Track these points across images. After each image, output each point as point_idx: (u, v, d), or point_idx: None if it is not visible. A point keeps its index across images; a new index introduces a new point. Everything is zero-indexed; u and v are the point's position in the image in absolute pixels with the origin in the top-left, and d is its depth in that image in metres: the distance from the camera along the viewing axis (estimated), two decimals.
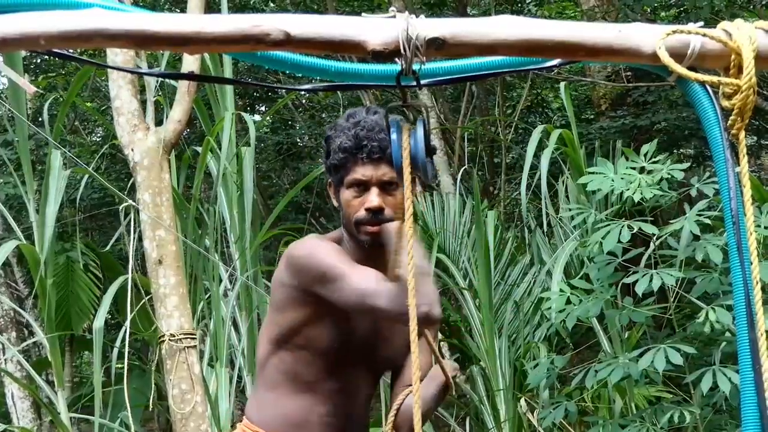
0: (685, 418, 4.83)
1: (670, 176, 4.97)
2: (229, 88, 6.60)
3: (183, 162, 6.62)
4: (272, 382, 2.74)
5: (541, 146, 6.60)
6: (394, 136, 1.89)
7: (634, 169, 5.08)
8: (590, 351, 6.37)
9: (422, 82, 2.11)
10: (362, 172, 2.53)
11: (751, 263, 1.96)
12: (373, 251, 2.57)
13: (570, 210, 5.80)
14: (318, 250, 2.56)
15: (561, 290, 5.21)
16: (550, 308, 5.33)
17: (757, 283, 1.96)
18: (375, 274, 2.41)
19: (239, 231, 6.33)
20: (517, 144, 10.88)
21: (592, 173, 5.20)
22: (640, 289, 4.70)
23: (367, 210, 2.53)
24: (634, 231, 4.87)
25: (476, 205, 6.60)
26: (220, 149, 6.20)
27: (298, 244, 2.67)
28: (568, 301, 5.05)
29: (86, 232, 8.09)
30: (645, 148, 5.16)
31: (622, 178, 5.00)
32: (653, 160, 5.09)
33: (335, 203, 2.66)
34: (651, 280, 4.69)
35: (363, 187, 2.55)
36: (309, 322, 2.63)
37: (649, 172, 5.03)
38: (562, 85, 7.32)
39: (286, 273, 2.63)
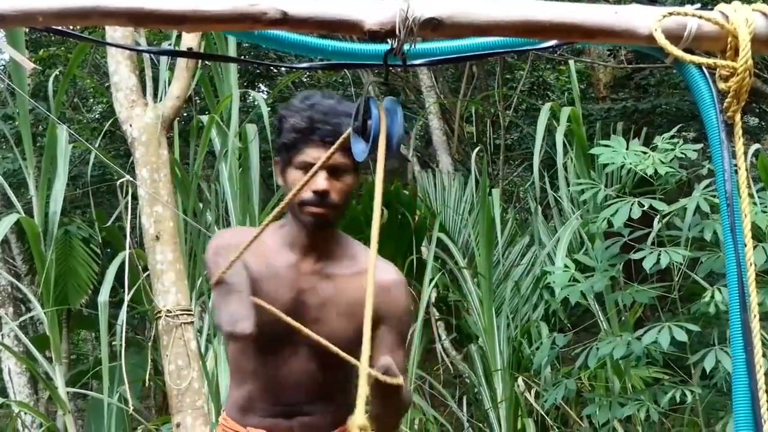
0: (687, 398, 4.85)
1: (683, 155, 5.00)
2: (232, 65, 6.57)
3: (191, 134, 6.58)
4: (229, 371, 2.83)
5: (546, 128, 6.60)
6: (375, 112, 1.88)
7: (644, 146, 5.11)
8: (586, 333, 6.37)
9: (419, 61, 2.11)
10: (312, 154, 2.51)
11: (745, 245, 1.97)
12: (314, 234, 2.59)
13: (579, 185, 5.75)
14: (209, 252, 2.64)
15: (565, 266, 5.22)
16: (551, 283, 5.34)
17: (750, 265, 1.96)
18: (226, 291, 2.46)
19: (242, 208, 6.30)
20: (518, 125, 10.86)
21: (605, 146, 5.20)
22: (647, 266, 4.71)
23: (314, 192, 2.52)
24: (645, 208, 4.88)
25: (483, 183, 6.58)
26: (226, 126, 6.17)
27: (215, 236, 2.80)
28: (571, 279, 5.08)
29: (85, 210, 8.05)
30: (665, 135, 5.19)
31: (635, 155, 5.02)
32: (666, 140, 5.13)
33: (281, 182, 2.66)
34: (658, 258, 4.70)
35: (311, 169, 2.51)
36: None
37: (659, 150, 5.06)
38: (571, 62, 7.30)
39: None
